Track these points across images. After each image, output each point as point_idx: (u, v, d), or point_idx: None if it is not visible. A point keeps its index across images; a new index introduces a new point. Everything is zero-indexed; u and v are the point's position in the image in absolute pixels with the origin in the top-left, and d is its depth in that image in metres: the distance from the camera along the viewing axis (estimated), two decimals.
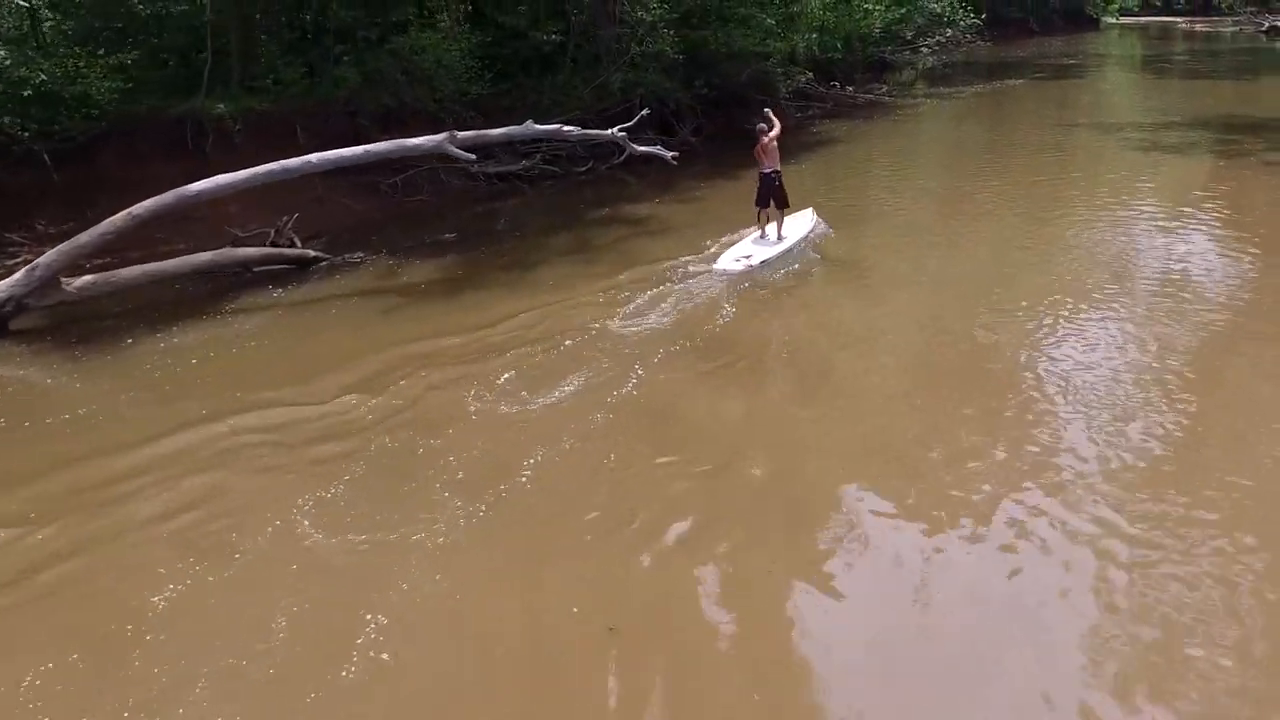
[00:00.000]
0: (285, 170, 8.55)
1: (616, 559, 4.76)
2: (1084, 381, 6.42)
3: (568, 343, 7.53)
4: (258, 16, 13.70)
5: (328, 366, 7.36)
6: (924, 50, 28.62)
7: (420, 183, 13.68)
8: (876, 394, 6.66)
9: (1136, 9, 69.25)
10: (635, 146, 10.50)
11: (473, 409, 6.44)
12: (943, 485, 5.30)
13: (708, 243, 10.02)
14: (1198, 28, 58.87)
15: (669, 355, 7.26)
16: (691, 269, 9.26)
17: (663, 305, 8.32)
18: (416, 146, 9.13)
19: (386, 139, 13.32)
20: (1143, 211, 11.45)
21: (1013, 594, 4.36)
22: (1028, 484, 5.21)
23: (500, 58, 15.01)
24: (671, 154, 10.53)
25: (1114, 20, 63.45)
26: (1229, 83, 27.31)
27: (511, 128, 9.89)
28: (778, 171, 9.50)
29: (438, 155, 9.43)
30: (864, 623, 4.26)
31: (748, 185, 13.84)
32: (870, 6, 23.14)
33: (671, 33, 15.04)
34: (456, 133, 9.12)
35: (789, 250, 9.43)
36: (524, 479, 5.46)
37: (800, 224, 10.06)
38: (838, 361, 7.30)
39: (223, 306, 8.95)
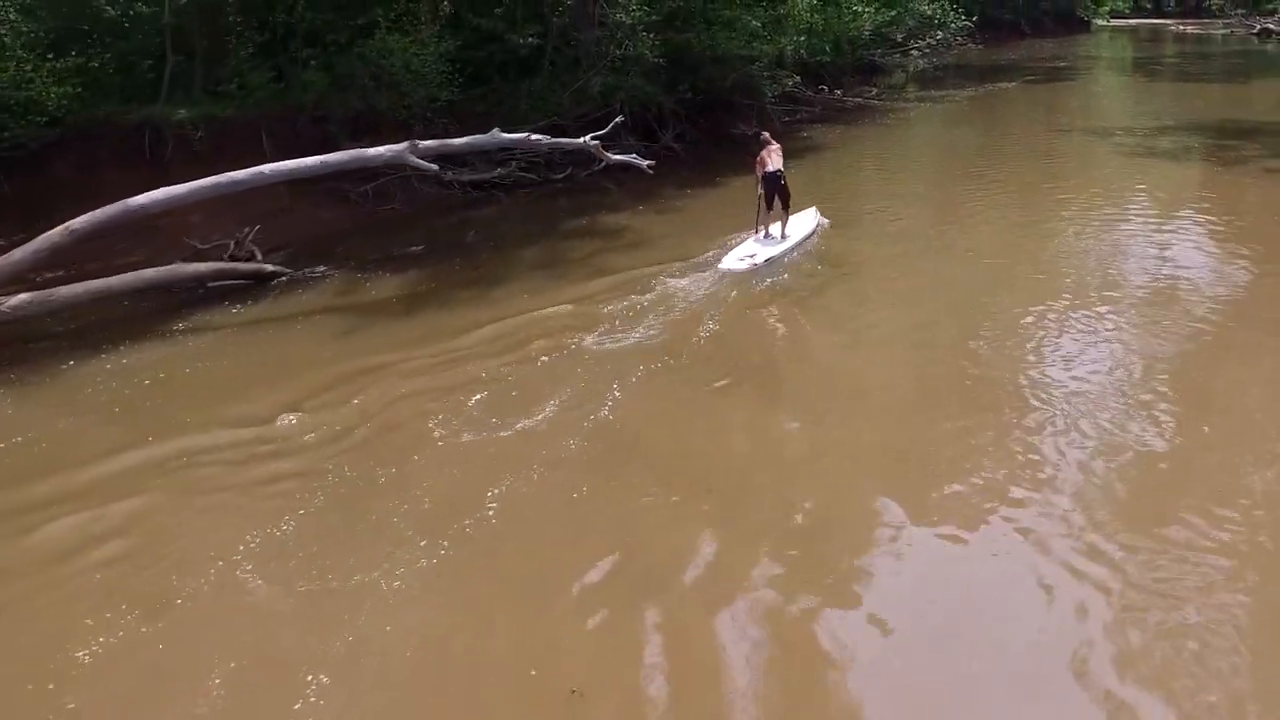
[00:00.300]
0: (234, 183, 8.08)
1: (583, 610, 4.34)
2: (1078, 391, 6.30)
3: (540, 361, 7.13)
4: (228, 19, 13.23)
5: (283, 389, 6.91)
6: (914, 53, 28.24)
7: (392, 191, 13.20)
8: (864, 412, 6.30)
9: (1128, 11, 69.14)
10: (609, 155, 10.05)
11: (438, 435, 6.05)
12: (934, 509, 4.96)
13: (685, 258, 9.56)
14: (1188, 30, 58.75)
15: (648, 374, 6.85)
16: (670, 282, 8.83)
17: (640, 320, 7.92)
18: (375, 157, 8.66)
19: (355, 146, 12.87)
20: (1137, 220, 11.10)
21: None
22: (1025, 498, 5.07)
23: (476, 61, 14.55)
24: (647, 162, 10.09)
25: (1105, 22, 63.28)
26: (1223, 86, 27.04)
27: (476, 136, 9.43)
28: (781, 171, 9.61)
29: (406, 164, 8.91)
30: (874, 687, 3.86)
31: (732, 193, 13.53)
32: (860, 9, 22.76)
33: (653, 36, 14.58)
34: (418, 142, 8.66)
35: (793, 248, 9.59)
36: (489, 513, 5.10)
37: (804, 223, 10.22)
38: (827, 378, 6.98)
39: (173, 325, 8.47)
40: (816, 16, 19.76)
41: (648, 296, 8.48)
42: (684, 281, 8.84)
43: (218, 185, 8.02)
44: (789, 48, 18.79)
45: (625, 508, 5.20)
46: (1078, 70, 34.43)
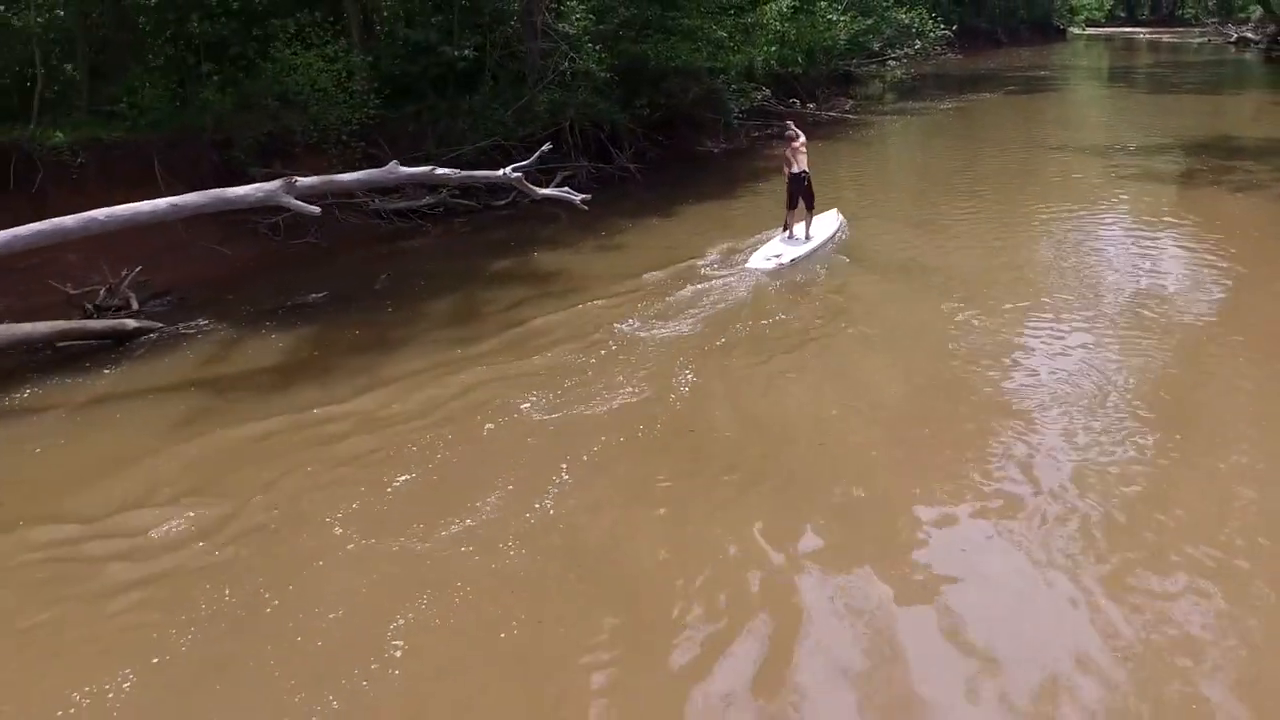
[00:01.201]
0: (60, 231, 6.59)
1: None
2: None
3: (437, 455, 5.69)
4: (121, 29, 11.71)
5: (137, 478, 5.66)
6: (892, 63, 27.15)
7: (307, 222, 11.74)
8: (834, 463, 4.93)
9: (1103, 20, 68.81)
10: (534, 189, 8.64)
11: (333, 535, 4.89)
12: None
13: (626, 311, 8.17)
14: (1165, 39, 58.24)
15: (592, 464, 5.53)
16: (602, 341, 7.43)
17: (575, 389, 6.56)
18: (240, 199, 7.20)
19: (264, 172, 11.42)
20: (1136, 259, 9.75)
21: None
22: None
23: (407, 76, 13.12)
24: (581, 197, 8.69)
25: (1080, 31, 62.89)
26: (1211, 98, 26.01)
27: (370, 172, 7.99)
28: (806, 172, 9.61)
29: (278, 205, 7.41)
30: None
31: (689, 223, 12.18)
32: (835, 17, 21.57)
33: (599, 48, 13.16)
34: (295, 179, 7.20)
35: (818, 249, 9.73)
36: (395, 654, 3.97)
37: (827, 224, 10.33)
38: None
39: (6, 398, 6.97)
40: (788, 25, 18.43)
41: (579, 359, 7.09)
42: (629, 333, 7.54)
43: (40, 234, 6.54)
44: (759, 58, 17.53)
45: (573, 647, 4.06)
46: (1058, 80, 33.47)
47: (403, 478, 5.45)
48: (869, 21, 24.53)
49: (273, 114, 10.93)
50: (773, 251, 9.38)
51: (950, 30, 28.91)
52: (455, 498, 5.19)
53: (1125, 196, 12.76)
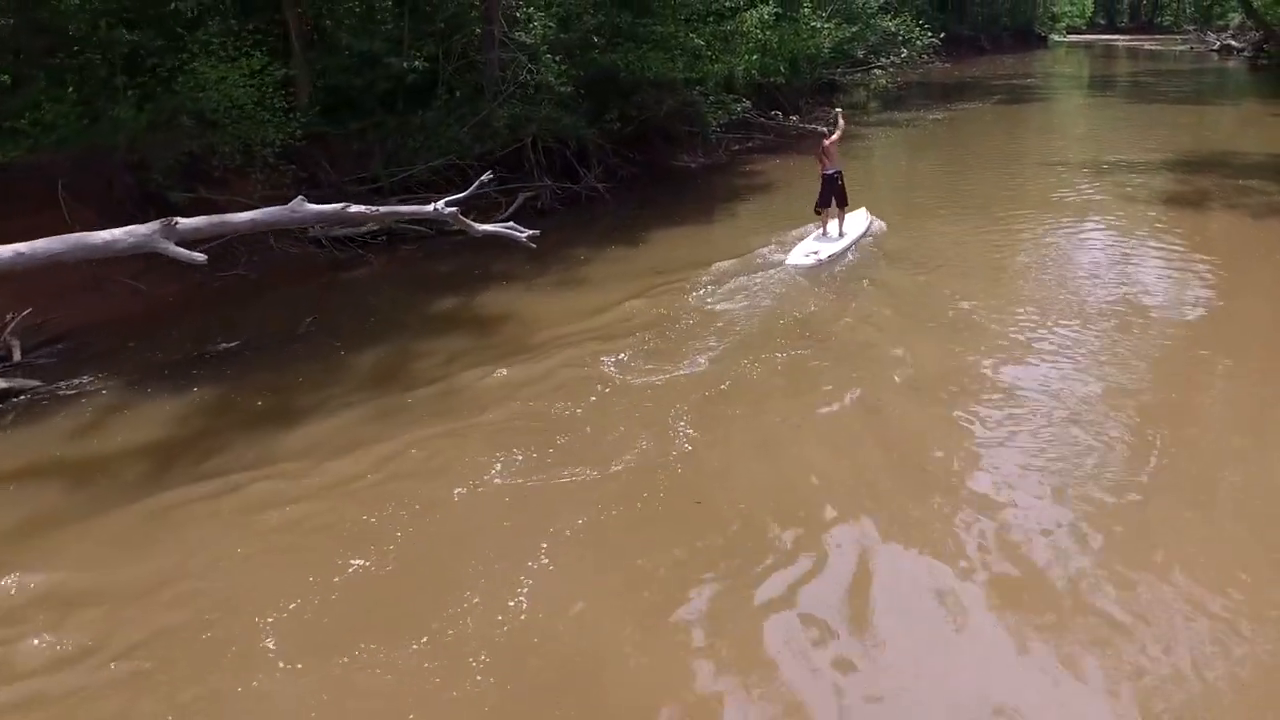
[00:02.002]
0: None
1: None
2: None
3: (350, 568, 4.55)
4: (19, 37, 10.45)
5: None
6: (877, 72, 26.28)
7: (239, 253, 10.53)
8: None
9: (1084, 27, 68.60)
10: (475, 226, 7.49)
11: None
12: None
13: (574, 360, 7.04)
14: (1147, 46, 57.93)
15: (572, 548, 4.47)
16: (557, 402, 6.30)
17: (526, 462, 5.44)
18: (107, 245, 5.97)
19: (188, 198, 10.24)
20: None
21: None
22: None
23: (352, 90, 11.94)
24: (528, 234, 7.55)
25: (1061, 39, 62.69)
26: (1209, 109, 25.23)
27: (269, 210, 6.78)
28: (839, 172, 9.97)
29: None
30: None
31: (658, 252, 11.05)
32: (819, 24, 20.57)
33: (560, 58, 12.01)
34: (176, 221, 6.00)
35: (851, 245, 10.06)
36: None
37: (858, 222, 10.61)
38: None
39: None
40: (770, 33, 17.39)
41: (522, 429, 5.95)
42: (609, 376, 6.49)
43: None
44: (740, 68, 16.47)
45: None
46: (1045, 89, 32.76)
47: (307, 591, 4.31)
48: (854, 29, 23.64)
49: (190, 133, 9.72)
50: (810, 249, 9.66)
51: (938, 38, 27.98)
52: (391, 605, 4.19)
53: (1136, 224, 11.82)
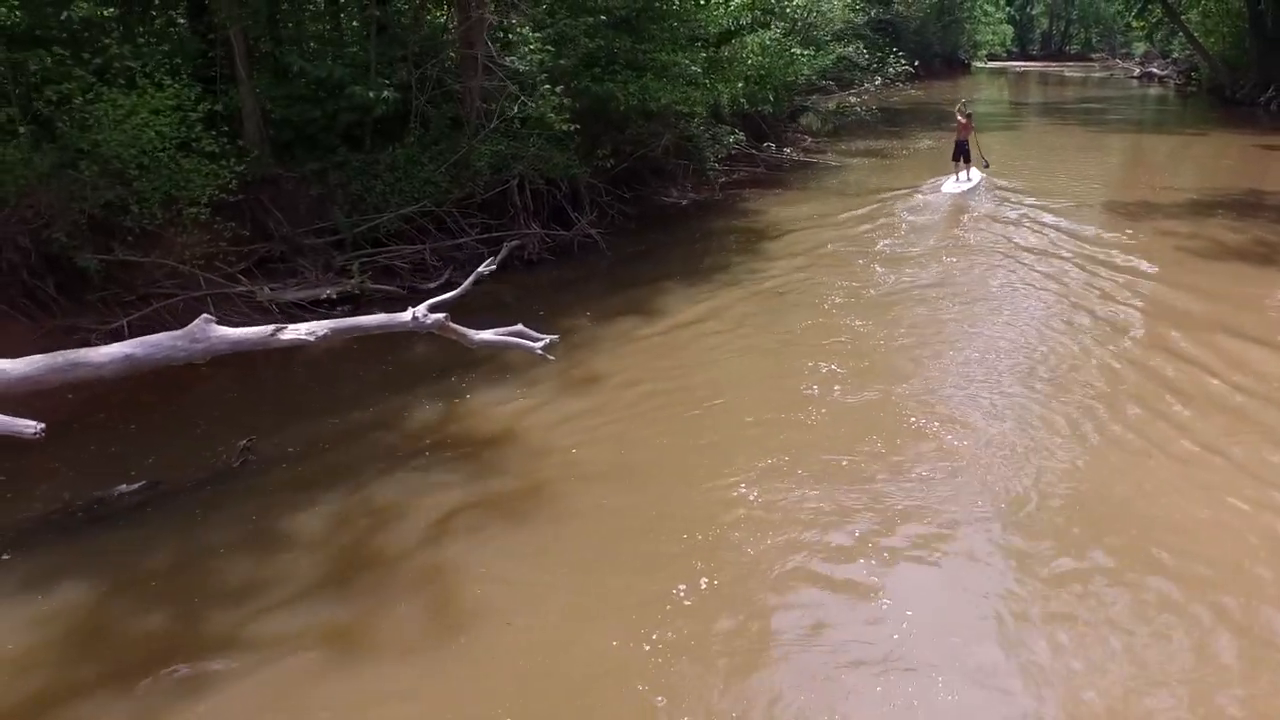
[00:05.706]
0: None
1: None
2: None
3: None
4: None
5: None
6: (853, 99, 25.52)
7: (167, 321, 8.44)
8: None
9: (1004, 54, 70.42)
10: (471, 336, 5.72)
11: None
12: None
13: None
14: (1067, 73, 59.50)
15: None
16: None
17: None
18: None
19: (99, 260, 8.15)
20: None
21: None
22: None
23: (309, 123, 9.98)
24: (544, 341, 5.83)
25: (982, 65, 64.23)
26: (1195, 140, 24.96)
27: (151, 341, 4.77)
28: (967, 140, 15.42)
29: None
30: None
31: (668, 317, 9.33)
32: (798, 51, 19.41)
33: (559, 90, 10.24)
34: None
35: (978, 184, 15.50)
36: None
37: (976, 175, 15.73)
38: None
39: None
40: (765, 59, 16.13)
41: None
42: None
43: None
44: (727, 97, 15.05)
45: None
46: (997, 116, 32.39)
47: None
48: (831, 57, 22.80)
49: (92, 184, 7.62)
50: (956, 187, 15.09)
51: (912, 66, 27.51)
52: None
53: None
